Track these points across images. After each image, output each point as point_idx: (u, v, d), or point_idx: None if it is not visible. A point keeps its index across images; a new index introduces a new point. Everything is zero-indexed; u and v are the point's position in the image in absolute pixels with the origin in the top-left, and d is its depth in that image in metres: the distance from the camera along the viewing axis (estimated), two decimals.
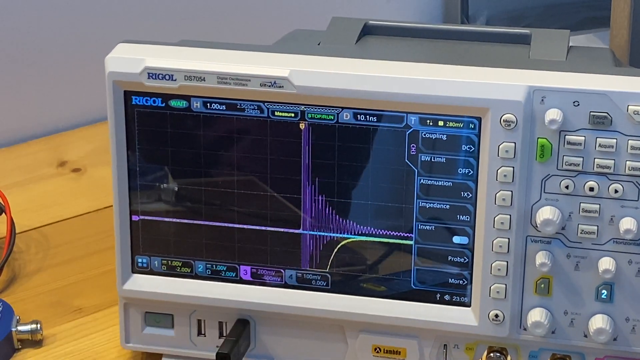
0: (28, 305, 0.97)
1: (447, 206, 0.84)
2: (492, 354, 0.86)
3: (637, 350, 0.84)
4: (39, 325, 0.93)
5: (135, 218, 0.89)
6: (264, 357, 0.90)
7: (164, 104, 0.85)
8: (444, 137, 0.82)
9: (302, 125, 0.84)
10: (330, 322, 0.88)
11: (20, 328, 0.93)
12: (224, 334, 0.89)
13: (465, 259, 0.85)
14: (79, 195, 1.16)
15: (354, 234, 0.86)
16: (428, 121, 0.82)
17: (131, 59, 0.85)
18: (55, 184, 1.19)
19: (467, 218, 0.84)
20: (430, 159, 0.83)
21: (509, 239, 0.82)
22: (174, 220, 0.88)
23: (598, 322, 0.82)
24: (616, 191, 0.80)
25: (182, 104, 0.85)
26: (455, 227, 0.84)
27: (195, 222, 0.88)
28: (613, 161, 0.79)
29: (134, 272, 0.90)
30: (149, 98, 0.86)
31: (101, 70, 0.85)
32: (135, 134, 0.86)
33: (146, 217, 0.89)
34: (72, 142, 1.27)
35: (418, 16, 1.52)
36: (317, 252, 0.87)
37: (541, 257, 0.82)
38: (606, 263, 0.81)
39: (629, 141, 0.79)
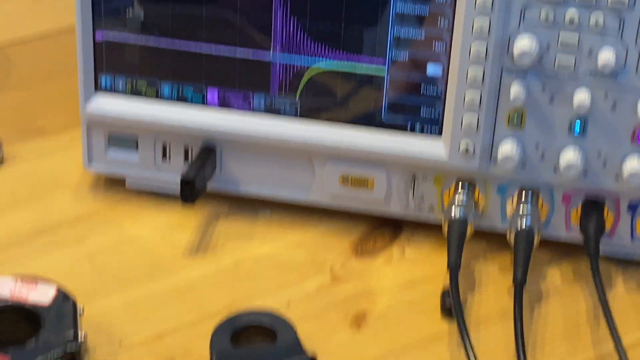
0: None
1: (423, 35, 0.82)
2: (460, 186, 0.86)
3: (607, 185, 0.83)
4: None
5: (99, 38, 0.86)
6: (230, 184, 0.90)
7: None
8: None
9: None
10: (298, 150, 0.87)
11: None
12: (189, 159, 0.89)
13: (438, 91, 0.84)
14: (41, 15, 1.13)
15: (326, 59, 0.84)
16: None
17: None
18: (15, 2, 1.15)
19: (442, 48, 0.82)
20: None
21: (484, 69, 0.81)
22: (140, 43, 0.86)
23: (569, 156, 0.82)
24: (597, 23, 0.78)
25: None
26: (429, 57, 0.83)
27: (162, 44, 0.86)
28: None
29: (97, 91, 0.88)
30: None
31: None
32: None
33: (110, 40, 0.86)
34: None
35: None
36: (288, 79, 0.85)
37: (516, 89, 0.80)
38: (582, 96, 0.80)
39: None
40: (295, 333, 0.78)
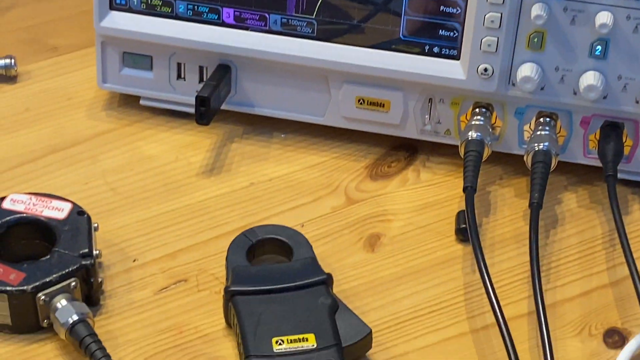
0: (2, 41, 0.95)
1: None
2: (477, 109, 0.85)
3: (626, 109, 0.83)
4: (13, 61, 0.92)
5: None
6: (244, 105, 0.89)
7: None
8: None
9: None
10: (314, 71, 0.86)
11: None
12: (204, 79, 0.88)
13: (457, 10, 0.82)
14: None
15: None
16: None
17: None
18: None
19: None
20: None
21: None
22: None
23: (589, 78, 0.81)
24: None
25: None
26: None
27: None
28: None
29: (112, 9, 0.87)
30: None
31: None
32: None
33: None
34: None
35: None
36: None
37: (537, 9, 0.79)
38: (604, 17, 0.79)
39: None
40: (311, 249, 0.78)
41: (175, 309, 0.77)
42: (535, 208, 0.80)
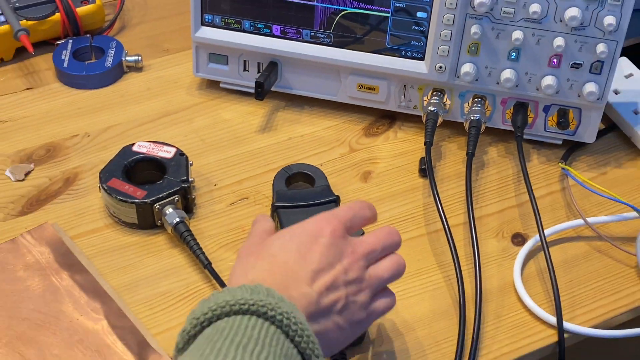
0: (133, 45, 0.92)
1: None
2: (435, 93, 0.83)
3: (530, 94, 0.80)
4: (140, 57, 0.89)
5: None
6: (286, 88, 0.87)
7: None
8: None
9: None
10: (331, 67, 0.84)
11: (127, 58, 0.89)
12: (261, 71, 0.85)
13: (423, 28, 0.80)
14: None
15: (350, 7, 0.80)
16: None
17: None
18: None
19: (428, 0, 0.78)
20: None
21: (454, 15, 0.77)
22: None
23: (507, 74, 0.78)
24: None
25: None
26: (418, 6, 0.79)
27: None
28: None
29: (202, 25, 0.84)
30: None
31: None
32: None
33: None
34: None
35: None
36: (326, 18, 0.81)
37: (475, 28, 0.77)
38: (517, 34, 0.76)
39: None
40: (326, 180, 0.76)
41: (240, 216, 0.76)
42: (470, 156, 0.79)
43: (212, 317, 0.53)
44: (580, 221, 0.74)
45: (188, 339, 0.53)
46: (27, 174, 0.78)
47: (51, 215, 0.75)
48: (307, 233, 0.58)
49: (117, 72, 0.88)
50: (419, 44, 0.81)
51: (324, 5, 0.81)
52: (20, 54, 0.89)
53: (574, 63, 0.76)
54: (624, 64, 0.87)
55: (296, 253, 0.57)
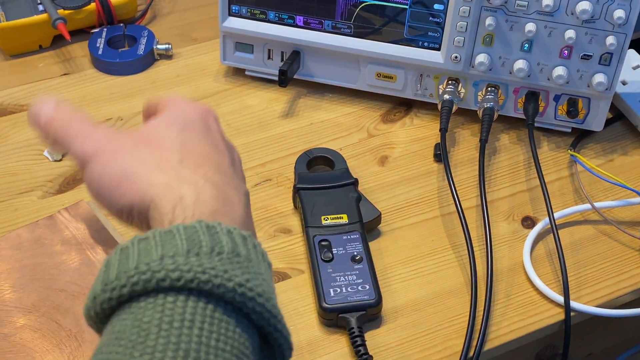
0: (164, 34, 0.95)
1: None
2: (450, 82, 0.85)
3: (542, 83, 0.82)
4: (170, 46, 0.92)
5: None
6: (308, 75, 0.89)
7: None
8: None
9: None
10: (351, 56, 0.86)
11: (158, 46, 0.92)
12: (284, 59, 0.88)
13: (440, 20, 0.82)
14: None
15: None
16: None
17: None
18: None
19: None
20: None
21: (470, 7, 0.79)
22: None
23: (520, 64, 0.80)
24: None
25: None
26: None
27: None
28: None
29: (229, 15, 0.87)
30: None
31: None
32: None
33: None
34: None
35: None
36: (347, 9, 0.84)
37: (489, 20, 0.79)
38: (530, 26, 0.78)
39: None
40: (345, 163, 0.79)
41: (264, 197, 0.78)
42: (483, 142, 0.81)
43: (130, 293, 0.34)
44: (587, 206, 0.77)
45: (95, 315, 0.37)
46: (64, 155, 0.81)
47: (86, 194, 0.76)
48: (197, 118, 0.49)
49: (149, 59, 0.91)
50: (436, 34, 0.83)
51: None
52: (57, 41, 0.92)
53: (584, 54, 0.79)
54: (632, 56, 0.89)
55: (210, 145, 0.45)
